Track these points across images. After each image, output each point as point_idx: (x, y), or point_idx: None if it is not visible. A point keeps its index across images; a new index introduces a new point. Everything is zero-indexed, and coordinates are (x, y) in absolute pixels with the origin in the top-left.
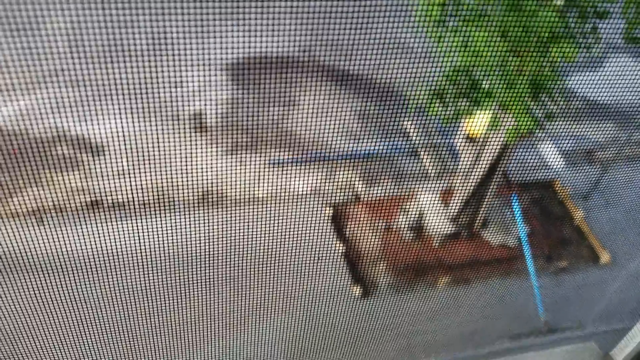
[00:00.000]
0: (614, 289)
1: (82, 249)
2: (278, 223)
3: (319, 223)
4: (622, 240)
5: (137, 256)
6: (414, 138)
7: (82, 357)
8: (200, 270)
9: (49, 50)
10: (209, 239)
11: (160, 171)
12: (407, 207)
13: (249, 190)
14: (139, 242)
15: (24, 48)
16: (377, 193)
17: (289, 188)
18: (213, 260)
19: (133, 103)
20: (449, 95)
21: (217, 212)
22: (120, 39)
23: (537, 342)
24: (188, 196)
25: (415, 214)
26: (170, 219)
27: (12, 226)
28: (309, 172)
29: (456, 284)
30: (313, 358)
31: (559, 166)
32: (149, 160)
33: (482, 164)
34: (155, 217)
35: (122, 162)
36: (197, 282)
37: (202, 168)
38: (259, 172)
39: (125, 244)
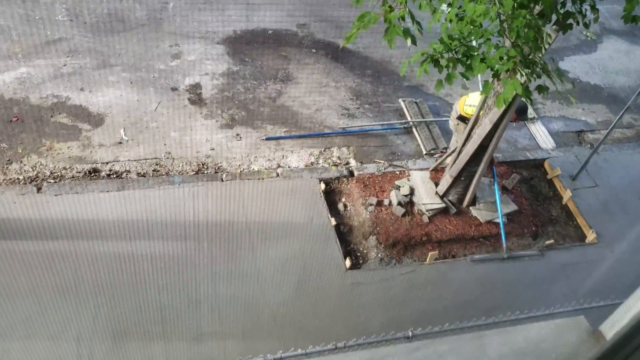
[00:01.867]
0: (603, 266)
1: (79, 216)
2: (272, 197)
3: (312, 197)
4: (609, 220)
5: (134, 225)
6: (407, 115)
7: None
8: (197, 240)
9: (49, 19)
10: (202, 209)
11: (157, 141)
12: (399, 183)
13: (245, 164)
14: (135, 211)
15: (25, 15)
16: (369, 169)
17: (283, 162)
18: (206, 230)
19: (132, 73)
20: (442, 60)
21: (212, 184)
22: (120, 9)
23: (526, 315)
24: (184, 167)
25: (407, 190)
26: (166, 189)
27: (11, 193)
28: (303, 147)
29: (443, 259)
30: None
31: (548, 146)
32: (146, 130)
33: (472, 141)
34: (151, 187)
35: (119, 132)
36: (193, 250)
37: (198, 140)
38: (255, 146)
39: (122, 212)
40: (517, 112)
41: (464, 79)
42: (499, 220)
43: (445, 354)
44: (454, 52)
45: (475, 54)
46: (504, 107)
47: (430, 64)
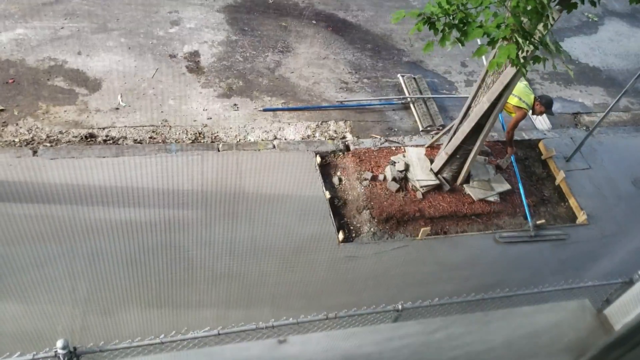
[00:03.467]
0: (591, 247)
1: (75, 181)
2: (268, 168)
3: (307, 170)
4: (601, 202)
5: (130, 191)
6: (405, 91)
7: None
8: (189, 208)
9: None
10: (198, 178)
11: (154, 109)
12: (394, 159)
13: (241, 135)
14: (131, 177)
15: None
16: (365, 144)
17: (280, 134)
18: (201, 199)
19: (130, 39)
20: (438, 23)
21: (209, 153)
22: None
23: (531, 297)
24: (180, 136)
25: (402, 166)
26: (162, 157)
27: (7, 155)
28: (300, 120)
29: (436, 234)
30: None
31: (544, 127)
32: (143, 97)
33: (468, 120)
34: (148, 154)
35: (116, 97)
36: (187, 219)
37: (195, 108)
38: (252, 117)
39: (118, 178)
40: (545, 105)
41: (466, 55)
42: (523, 201)
43: (460, 336)
44: (451, 17)
45: (473, 21)
46: (502, 86)
47: (425, 26)
